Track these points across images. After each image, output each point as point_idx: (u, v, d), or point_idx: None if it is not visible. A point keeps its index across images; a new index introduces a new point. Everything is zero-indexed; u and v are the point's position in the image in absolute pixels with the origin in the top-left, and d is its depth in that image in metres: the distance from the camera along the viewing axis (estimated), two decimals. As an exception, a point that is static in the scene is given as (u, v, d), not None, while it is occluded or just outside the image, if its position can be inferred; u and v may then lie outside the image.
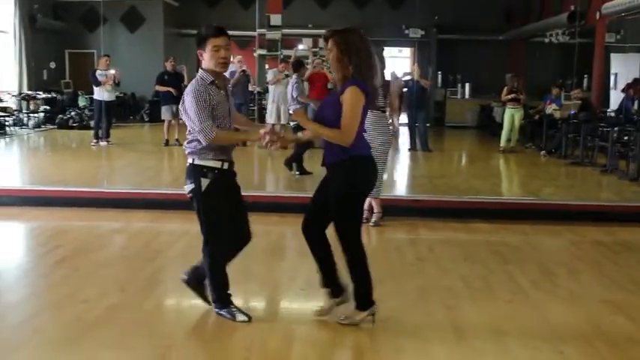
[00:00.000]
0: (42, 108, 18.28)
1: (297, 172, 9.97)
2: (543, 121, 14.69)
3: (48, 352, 3.95)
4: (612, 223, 7.61)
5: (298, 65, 11.45)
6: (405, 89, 14.16)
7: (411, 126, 14.53)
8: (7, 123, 16.50)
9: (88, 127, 16.48)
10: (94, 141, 13.93)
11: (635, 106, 14.88)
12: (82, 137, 15.26)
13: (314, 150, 9.58)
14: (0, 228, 7.49)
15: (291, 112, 10.78)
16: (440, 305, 4.81)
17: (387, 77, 7.74)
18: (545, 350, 4.06)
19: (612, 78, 18.55)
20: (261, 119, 15.00)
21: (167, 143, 13.76)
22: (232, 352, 4.02)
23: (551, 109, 14.91)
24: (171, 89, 13.67)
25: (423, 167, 12.59)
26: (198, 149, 4.24)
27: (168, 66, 14.31)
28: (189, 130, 4.27)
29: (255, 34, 18.51)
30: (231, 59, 16.26)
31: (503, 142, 14.22)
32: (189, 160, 4.31)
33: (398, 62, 24.27)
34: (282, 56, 15.75)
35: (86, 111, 18.22)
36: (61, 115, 18.02)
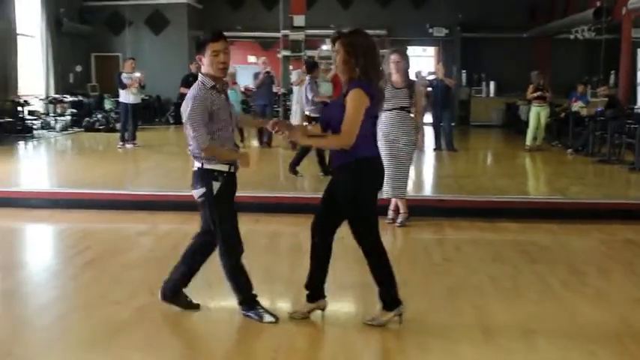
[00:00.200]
0: (69, 111, 18.46)
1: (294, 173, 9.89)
2: (569, 119, 14.56)
3: (77, 353, 3.99)
4: (642, 221, 7.52)
5: (312, 66, 11.42)
6: (429, 88, 14.12)
7: (435, 125, 14.47)
8: (34, 126, 16.72)
9: (114, 130, 16.64)
10: (120, 143, 14.05)
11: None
12: (109, 140, 15.39)
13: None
14: (30, 230, 7.60)
15: (307, 113, 10.76)
16: (468, 305, 4.79)
17: (412, 77, 7.70)
18: (575, 350, 4.02)
19: (639, 74, 18.33)
20: (286, 120, 15.01)
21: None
22: (260, 353, 4.02)
23: (577, 106, 14.78)
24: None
25: (448, 167, 12.53)
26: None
27: (193, 68, 14.38)
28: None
29: (278, 35, 18.57)
30: (256, 60, 16.17)
31: (529, 141, 14.12)
32: (198, 165, 4.32)
33: (422, 61, 24.20)
34: (305, 57, 15.77)
35: (112, 114, 18.37)
36: (87, 118, 18.20)
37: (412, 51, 23.57)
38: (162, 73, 19.15)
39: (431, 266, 5.89)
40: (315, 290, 4.46)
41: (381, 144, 7.17)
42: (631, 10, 15.29)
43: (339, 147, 4.16)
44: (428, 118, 14.35)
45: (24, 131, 15.98)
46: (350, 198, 4.22)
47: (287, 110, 15.97)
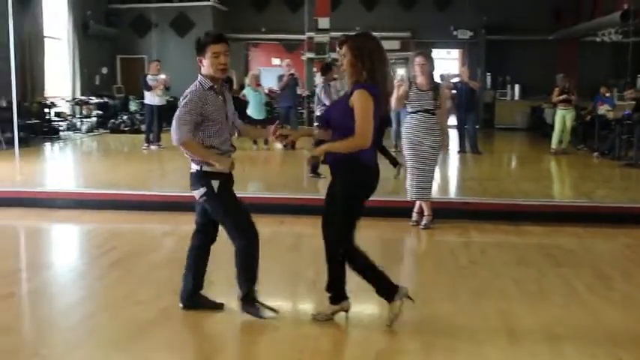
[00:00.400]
0: (94, 113, 18.66)
1: (311, 174, 9.84)
2: (595, 122, 14.43)
3: (103, 353, 4.02)
4: (669, 225, 7.43)
5: (326, 69, 11.40)
6: (453, 91, 14.06)
7: (460, 128, 14.41)
8: (61, 128, 16.92)
9: (139, 132, 16.77)
10: (145, 145, 14.16)
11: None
12: (134, 141, 15.52)
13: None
14: (56, 230, 7.67)
15: (318, 113, 10.71)
16: (493, 308, 4.77)
17: (437, 79, 7.68)
18: (601, 355, 3.98)
19: (667, 77, 18.13)
20: (311, 122, 15.04)
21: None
22: (285, 355, 4.02)
23: (603, 109, 14.64)
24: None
25: (472, 170, 12.47)
26: None
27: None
28: None
29: (303, 37, 18.57)
30: (280, 63, 16.18)
31: (554, 144, 14.02)
32: (196, 167, 4.38)
33: (446, 64, 24.11)
34: (330, 59, 15.77)
35: (137, 115, 18.53)
36: (113, 120, 18.39)
37: (436, 53, 23.47)
38: (187, 75, 19.09)
39: (457, 269, 5.86)
40: (337, 292, 4.47)
41: (405, 146, 7.20)
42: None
43: (356, 148, 4.13)
44: (452, 120, 14.35)
45: (50, 133, 16.17)
46: (342, 195, 4.23)
47: (311, 113, 15.98)
